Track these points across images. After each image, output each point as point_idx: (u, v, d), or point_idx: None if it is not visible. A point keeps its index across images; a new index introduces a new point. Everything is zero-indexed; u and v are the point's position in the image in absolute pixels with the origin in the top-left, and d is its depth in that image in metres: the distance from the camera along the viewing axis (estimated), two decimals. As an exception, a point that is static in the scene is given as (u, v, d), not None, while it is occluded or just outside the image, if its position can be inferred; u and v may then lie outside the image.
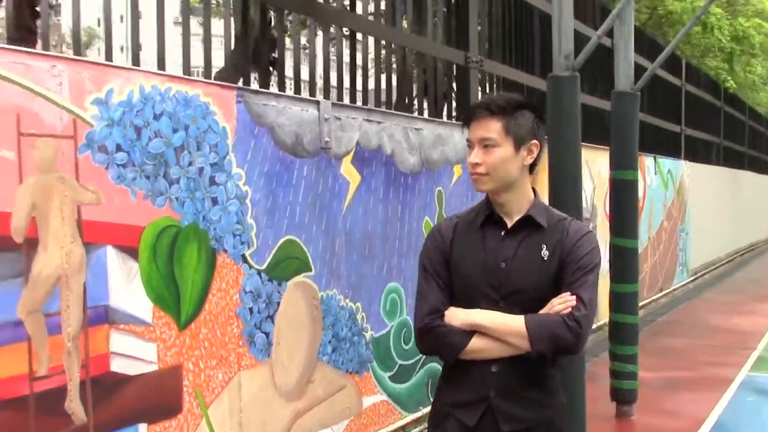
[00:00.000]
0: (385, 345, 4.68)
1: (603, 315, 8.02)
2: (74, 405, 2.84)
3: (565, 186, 4.05)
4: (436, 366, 5.11)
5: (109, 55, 3.35)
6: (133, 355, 3.07)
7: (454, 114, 6.01)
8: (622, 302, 5.09)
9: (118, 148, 3.00)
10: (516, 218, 2.25)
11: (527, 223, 2.24)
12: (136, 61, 3.42)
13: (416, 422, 4.98)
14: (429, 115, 5.40)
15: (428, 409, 5.00)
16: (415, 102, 5.45)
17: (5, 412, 2.61)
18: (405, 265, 4.81)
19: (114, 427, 2.99)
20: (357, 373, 4.43)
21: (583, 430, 4.26)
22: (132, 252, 3.07)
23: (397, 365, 4.81)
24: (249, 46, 4.08)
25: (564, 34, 4.13)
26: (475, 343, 2.16)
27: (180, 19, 3.76)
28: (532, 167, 2.27)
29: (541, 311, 2.15)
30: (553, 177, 4.11)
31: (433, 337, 2.22)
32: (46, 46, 2.95)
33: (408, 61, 5.39)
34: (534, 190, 2.31)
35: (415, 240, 4.90)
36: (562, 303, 2.13)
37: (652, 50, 10.10)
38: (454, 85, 5.96)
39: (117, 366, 3.00)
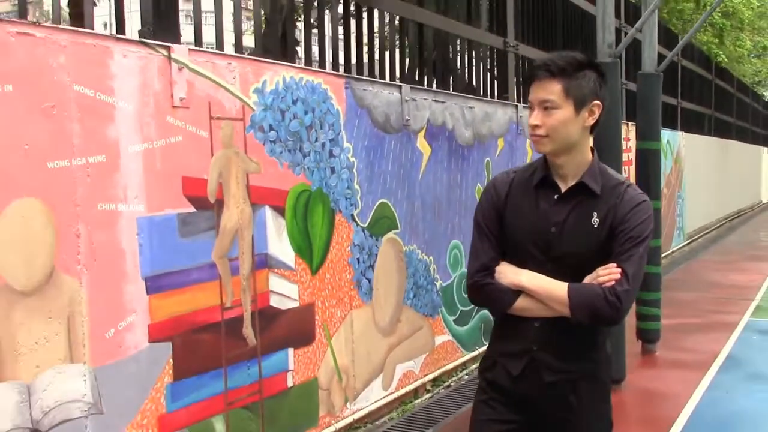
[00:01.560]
0: (450, 293, 5.48)
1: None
2: (248, 331, 3.62)
3: (609, 159, 4.80)
4: (488, 314, 5.92)
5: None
6: (283, 293, 3.84)
7: (495, 93, 6.74)
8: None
9: (270, 128, 3.75)
10: (571, 182, 2.19)
11: (581, 189, 2.18)
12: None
13: (473, 360, 5.80)
14: (476, 95, 6.14)
15: (483, 349, 5.84)
16: (466, 83, 6.18)
17: (207, 334, 3.38)
18: (463, 224, 5.59)
19: (273, 350, 3.78)
20: (430, 316, 5.24)
21: (623, 364, 5.11)
22: (281, 211, 3.83)
23: (459, 310, 5.62)
24: (278, 29, 4.59)
25: (607, 28, 4.89)
26: (521, 302, 2.18)
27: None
28: (593, 128, 2.20)
29: (586, 279, 2.11)
30: (597, 151, 4.87)
31: (483, 294, 2.25)
32: (220, 46, 3.67)
33: (460, 47, 6.13)
34: (593, 150, 2.24)
35: (470, 204, 5.68)
36: (606, 275, 2.08)
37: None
38: (496, 67, 6.69)
39: (274, 302, 3.78)
